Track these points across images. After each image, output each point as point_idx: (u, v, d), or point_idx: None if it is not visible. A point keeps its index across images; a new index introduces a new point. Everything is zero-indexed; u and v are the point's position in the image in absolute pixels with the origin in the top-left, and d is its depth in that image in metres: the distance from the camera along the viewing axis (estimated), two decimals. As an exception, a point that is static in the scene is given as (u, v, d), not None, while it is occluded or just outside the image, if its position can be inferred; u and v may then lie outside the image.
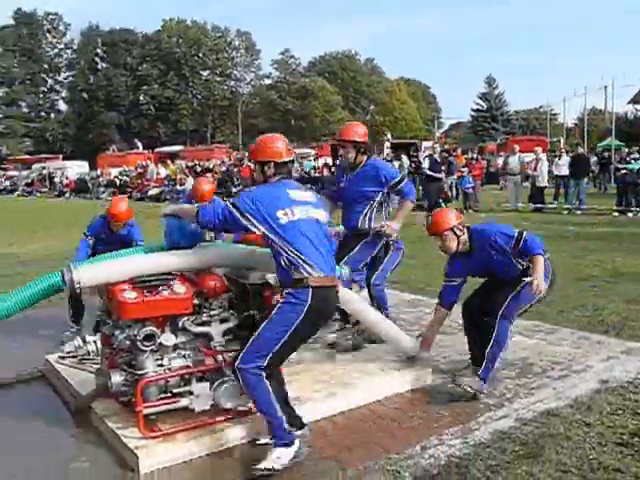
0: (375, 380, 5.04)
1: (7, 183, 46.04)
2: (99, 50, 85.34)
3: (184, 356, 4.35)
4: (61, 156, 57.57)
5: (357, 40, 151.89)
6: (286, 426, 3.86)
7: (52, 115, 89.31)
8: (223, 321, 4.51)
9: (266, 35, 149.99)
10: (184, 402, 4.26)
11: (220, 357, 4.39)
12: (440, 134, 69.90)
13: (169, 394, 4.27)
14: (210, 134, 79.91)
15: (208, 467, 4.02)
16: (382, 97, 78.26)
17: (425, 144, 34.83)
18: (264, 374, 3.79)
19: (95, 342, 5.02)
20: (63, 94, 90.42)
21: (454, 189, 23.35)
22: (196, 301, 4.41)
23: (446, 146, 29.98)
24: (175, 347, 4.33)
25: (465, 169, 22.82)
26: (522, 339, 6.28)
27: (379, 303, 5.84)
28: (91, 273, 4.23)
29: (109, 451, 4.23)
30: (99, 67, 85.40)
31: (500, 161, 30.64)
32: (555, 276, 5.11)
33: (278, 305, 3.85)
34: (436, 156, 20.65)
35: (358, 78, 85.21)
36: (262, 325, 3.84)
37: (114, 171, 37.35)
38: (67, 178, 40.22)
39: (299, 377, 5.04)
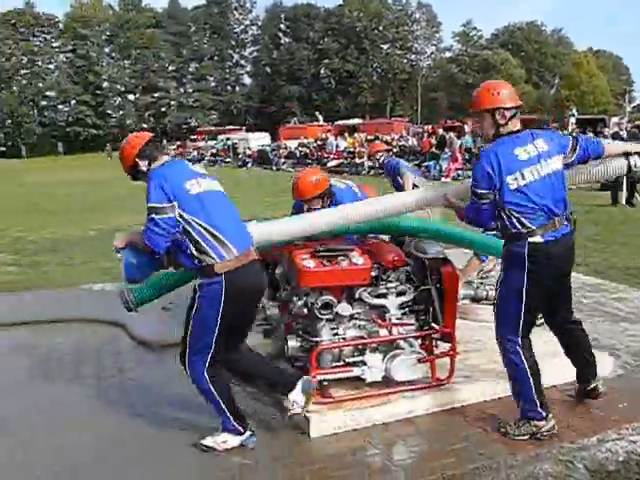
0: (554, 363, 4.75)
1: (195, 153, 48.84)
2: (282, 25, 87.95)
3: (359, 327, 4.39)
4: (244, 128, 60.09)
5: (543, 9, 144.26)
6: (235, 425, 3.86)
7: (237, 89, 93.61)
8: (400, 294, 4.49)
9: (447, 7, 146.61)
10: (357, 372, 4.30)
11: (395, 330, 4.38)
12: (631, 108, 64.92)
13: (342, 363, 4.33)
14: (389, 107, 79.86)
15: (376, 437, 4.03)
16: (568, 70, 73.93)
17: (614, 120, 32.45)
18: (205, 368, 3.74)
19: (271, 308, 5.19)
20: (248, 68, 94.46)
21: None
22: (374, 273, 4.42)
23: (638, 122, 27.67)
24: (351, 317, 4.39)
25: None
26: None
27: None
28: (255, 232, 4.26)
29: (282, 412, 4.36)
30: (282, 42, 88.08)
31: None
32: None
33: (196, 303, 3.67)
34: (623, 133, 18.94)
35: (543, 50, 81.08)
36: (191, 324, 3.73)
37: (294, 143, 38.35)
38: (250, 149, 41.79)
39: (471, 355, 4.95)
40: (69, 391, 4.86)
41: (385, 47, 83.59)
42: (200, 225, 3.58)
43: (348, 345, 4.31)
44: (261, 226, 4.38)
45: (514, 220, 3.70)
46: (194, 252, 3.60)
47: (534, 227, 3.68)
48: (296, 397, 3.88)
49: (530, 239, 3.68)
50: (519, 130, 3.79)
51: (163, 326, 6.14)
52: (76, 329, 6.41)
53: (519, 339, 3.82)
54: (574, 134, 4.26)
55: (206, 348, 3.72)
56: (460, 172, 24.26)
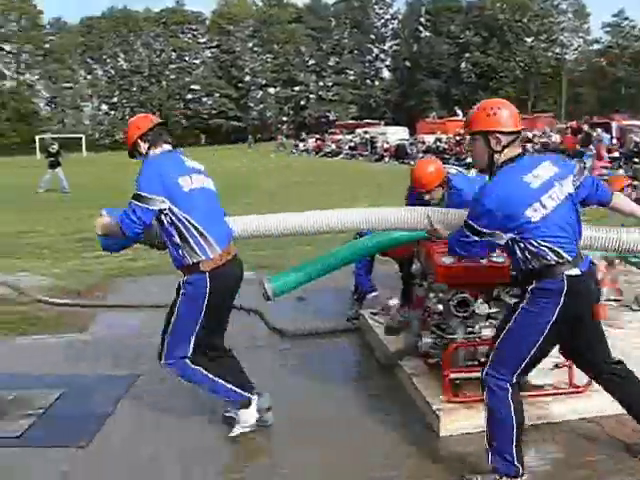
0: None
1: (333, 146, 49.46)
2: (422, 19, 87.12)
3: (495, 326, 4.29)
4: (382, 122, 60.15)
5: None
6: (241, 392, 3.97)
7: (376, 83, 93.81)
8: (539, 296, 4.34)
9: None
10: (491, 372, 4.21)
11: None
12: None
13: (476, 362, 4.26)
14: (531, 103, 77.21)
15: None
16: None
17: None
18: (189, 361, 3.81)
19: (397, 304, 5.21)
20: (387, 62, 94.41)
21: None
22: (513, 272, 4.30)
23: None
24: (487, 316, 4.30)
25: None
26: None
27: None
28: None
29: (412, 408, 4.36)
30: (422, 36, 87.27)
31: None
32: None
33: (180, 298, 3.78)
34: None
35: None
36: (171, 321, 3.81)
37: (431, 138, 37.95)
38: (387, 143, 41.76)
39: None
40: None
41: (529, 40, 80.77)
42: (190, 223, 3.68)
43: (483, 345, 4.23)
44: (241, 221, 4.39)
45: (546, 252, 3.11)
46: (182, 248, 3.73)
47: (571, 258, 3.14)
48: (247, 417, 3.96)
49: (567, 272, 3.12)
50: (519, 155, 3.23)
51: (297, 315, 6.32)
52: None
53: (513, 380, 3.29)
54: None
55: (188, 343, 3.84)
56: (606, 171, 23.04)
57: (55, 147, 22.90)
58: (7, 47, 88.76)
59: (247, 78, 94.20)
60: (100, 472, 3.73)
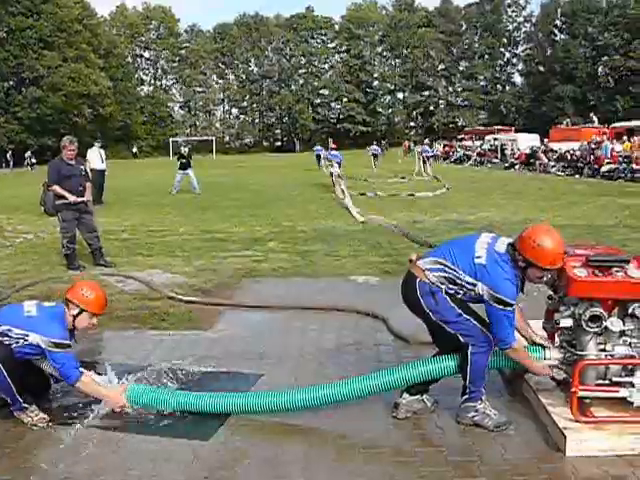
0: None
1: (461, 153, 48.79)
2: (558, 21, 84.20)
3: (630, 344, 4.12)
4: (513, 128, 58.69)
5: None
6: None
7: (507, 88, 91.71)
8: (681, 315, 4.12)
9: None
10: (623, 393, 4.04)
11: (672, 352, 4.04)
12: None
13: (607, 381, 4.11)
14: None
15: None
16: None
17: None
18: None
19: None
20: (519, 67, 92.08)
21: None
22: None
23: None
24: (621, 333, 4.13)
25: None
26: None
27: None
28: None
29: (537, 425, 4.27)
30: (557, 39, 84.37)
31: None
32: None
33: None
34: None
35: None
36: None
37: (564, 145, 36.59)
38: (518, 150, 40.73)
39: None
40: (334, 373, 5.16)
41: (678, 42, 76.05)
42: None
43: (616, 363, 4.07)
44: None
45: None
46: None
47: None
48: None
49: None
50: None
51: (421, 323, 6.29)
52: (337, 318, 6.81)
53: None
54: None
55: None
56: None
57: (186, 149, 24.01)
58: (146, 54, 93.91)
59: (375, 83, 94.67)
60: (223, 464, 3.90)
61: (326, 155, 33.46)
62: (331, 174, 23.37)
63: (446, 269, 4.10)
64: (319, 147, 43.29)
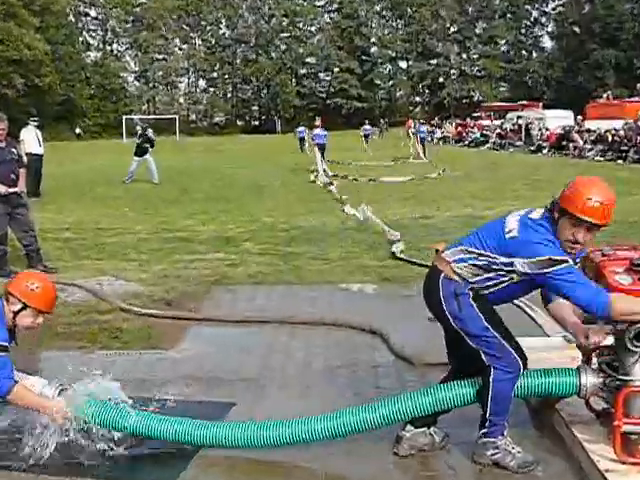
0: None
1: (477, 134, 48.94)
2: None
3: (684, 367, 4.12)
4: (541, 104, 58.86)
5: None
6: None
7: (534, 54, 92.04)
8: None
9: None
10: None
11: None
12: None
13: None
14: None
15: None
16: None
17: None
18: None
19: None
20: (549, 28, 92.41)
21: None
22: None
23: None
24: (680, 357, 4.12)
25: None
26: None
27: None
28: None
29: (570, 465, 4.25)
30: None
31: None
32: None
33: None
34: None
35: None
36: None
37: (605, 124, 36.65)
38: (547, 130, 40.80)
39: None
40: (324, 401, 5.14)
41: None
42: None
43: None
44: None
45: None
46: None
47: None
48: None
49: None
50: None
51: (427, 340, 6.31)
52: (327, 334, 6.83)
53: None
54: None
55: None
56: None
57: (150, 131, 23.98)
58: (93, 12, 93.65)
59: (373, 49, 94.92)
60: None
61: (311, 136, 34.28)
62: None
63: (477, 257, 4.12)
64: (302, 128, 44.50)
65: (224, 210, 16.00)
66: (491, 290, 4.14)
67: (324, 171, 24.37)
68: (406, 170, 26.92)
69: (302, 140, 41.60)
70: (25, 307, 4.44)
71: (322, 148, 28.72)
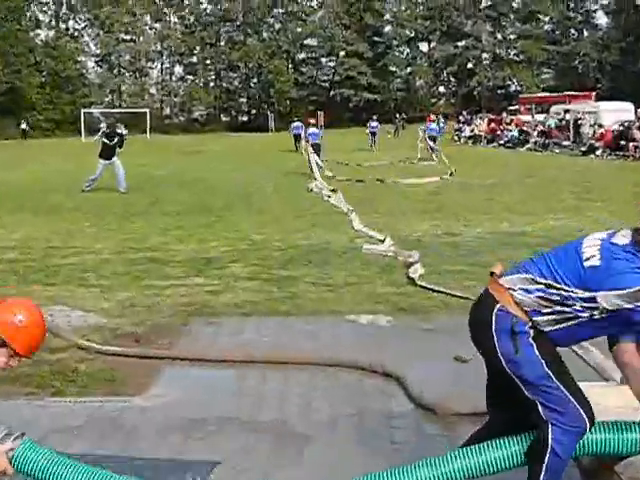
0: None
1: (514, 132, 48.95)
2: None
3: None
4: (594, 94, 58.84)
5: None
6: None
7: (585, 33, 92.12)
8: None
9: None
10: None
11: None
12: None
13: None
14: None
15: None
16: None
17: None
18: None
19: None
20: (604, 1, 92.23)
21: None
22: None
23: None
24: None
25: None
26: None
27: None
28: None
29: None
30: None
31: None
32: None
33: None
34: None
35: None
36: None
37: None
38: (601, 127, 40.77)
39: None
40: (326, 459, 5.16)
41: None
42: None
43: None
44: None
45: None
46: None
47: None
48: None
49: None
50: None
51: (453, 385, 6.32)
52: (331, 377, 6.84)
53: None
54: None
55: None
56: None
57: (116, 127, 24.09)
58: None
59: (387, 28, 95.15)
60: None
61: (306, 136, 35.19)
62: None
63: (547, 288, 3.97)
64: (298, 124, 45.56)
65: (205, 225, 16.03)
66: (558, 327, 4.00)
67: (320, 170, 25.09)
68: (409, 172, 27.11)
69: (298, 137, 42.38)
70: (3, 344, 4.25)
71: (317, 148, 29.67)
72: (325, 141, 36.04)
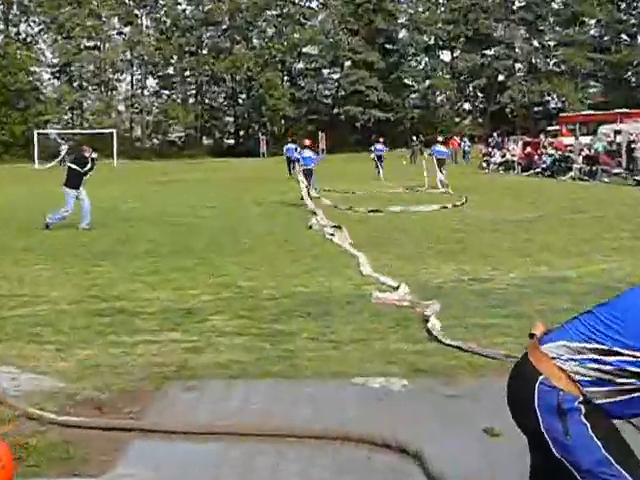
0: None
1: (554, 156, 49.02)
2: None
3: None
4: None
5: None
6: None
7: (639, 39, 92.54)
8: None
9: None
10: None
11: None
12: None
13: None
14: None
15: None
16: None
17: None
18: None
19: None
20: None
21: None
22: None
23: None
24: None
25: None
26: None
27: None
28: None
29: None
30: None
31: None
32: None
33: None
34: None
35: None
36: None
37: None
38: (659, 151, 41.05)
39: None
40: None
41: None
42: None
43: None
44: None
45: None
46: None
47: None
48: None
49: None
50: None
51: (482, 463, 6.30)
52: (335, 453, 6.81)
53: None
54: None
55: None
56: None
57: (83, 152, 24.32)
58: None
59: (402, 34, 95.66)
60: None
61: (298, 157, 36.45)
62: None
63: (603, 354, 3.83)
64: (291, 145, 47.13)
65: (183, 268, 16.08)
66: (616, 400, 3.87)
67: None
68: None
69: (291, 161, 43.04)
70: None
71: (309, 173, 31.16)
72: (325, 168, 36.29)
